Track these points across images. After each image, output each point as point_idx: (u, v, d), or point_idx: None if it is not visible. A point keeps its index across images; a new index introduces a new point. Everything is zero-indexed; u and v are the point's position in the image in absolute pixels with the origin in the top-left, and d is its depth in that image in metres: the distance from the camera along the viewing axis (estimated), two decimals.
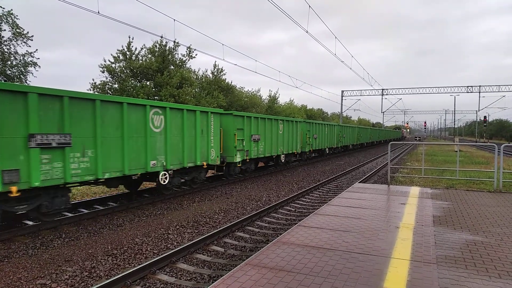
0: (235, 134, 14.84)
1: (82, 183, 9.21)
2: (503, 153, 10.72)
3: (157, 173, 10.84)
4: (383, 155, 34.84)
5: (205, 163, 12.94)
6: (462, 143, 13.40)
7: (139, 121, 10.04)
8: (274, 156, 19.49)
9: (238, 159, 15.14)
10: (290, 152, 21.12)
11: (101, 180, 9.53)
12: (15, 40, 21.72)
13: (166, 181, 11.08)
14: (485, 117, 63.52)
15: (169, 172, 11.20)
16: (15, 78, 21.89)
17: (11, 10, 20.95)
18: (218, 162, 13.84)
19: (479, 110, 58.79)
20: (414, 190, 10.47)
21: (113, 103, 9.24)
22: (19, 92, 7.17)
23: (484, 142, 65.65)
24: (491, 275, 4.36)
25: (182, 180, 12.24)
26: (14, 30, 21.35)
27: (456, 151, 29.72)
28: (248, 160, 16.45)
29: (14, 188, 7.08)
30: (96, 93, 23.61)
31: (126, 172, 9.55)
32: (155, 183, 11.55)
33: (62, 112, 7.96)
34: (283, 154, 20.01)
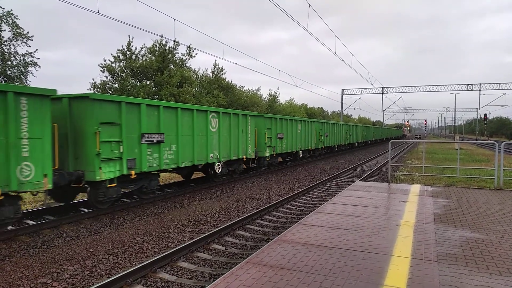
0: (265, 133, 17.78)
1: (167, 171, 12.19)
2: (504, 150, 10.72)
3: (212, 164, 13.74)
4: (383, 153, 34.83)
5: (244, 157, 15.90)
6: (463, 141, 13.37)
7: (203, 123, 12.94)
8: (293, 152, 22.19)
9: (267, 154, 18.08)
10: (306, 148, 24.09)
11: (167, 170, 11.98)
12: (15, 40, 21.73)
13: (219, 171, 14.02)
14: (485, 115, 63.46)
15: (221, 163, 14.16)
16: (15, 78, 21.89)
17: (11, 10, 20.97)
18: (253, 156, 16.68)
19: (479, 108, 58.74)
20: (415, 188, 10.47)
21: (188, 110, 12.20)
22: (136, 104, 10.11)
23: (485, 140, 65.60)
24: (492, 273, 4.36)
25: (227, 171, 14.86)
26: (14, 30, 21.35)
27: (457, 149, 29.68)
28: (274, 155, 19.18)
29: (133, 172, 9.91)
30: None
31: (195, 162, 12.51)
32: (203, 174, 15.52)
33: (159, 117, 10.86)
34: (301, 150, 23.00)
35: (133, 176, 9.96)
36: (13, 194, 7.26)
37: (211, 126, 13.41)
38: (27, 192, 7.66)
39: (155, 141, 10.65)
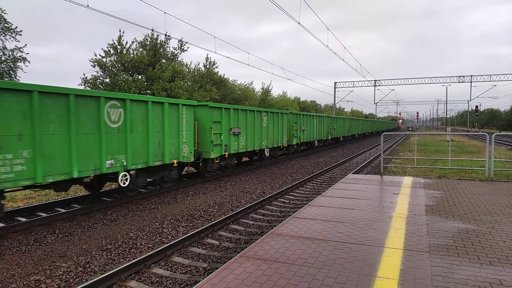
0: (293, 126, 19.53)
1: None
2: (494, 142, 10.82)
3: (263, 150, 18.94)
4: (376, 145, 35.02)
5: (281, 145, 22.38)
6: (454, 133, 13.50)
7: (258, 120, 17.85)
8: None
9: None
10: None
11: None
12: (3, 35, 21.40)
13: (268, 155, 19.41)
14: (476, 106, 64.08)
15: (268, 149, 19.50)
16: (4, 74, 21.58)
17: None
18: (286, 144, 19.28)
19: (470, 99, 59.30)
20: (407, 180, 10.55)
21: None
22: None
23: (476, 132, 66.23)
24: (483, 263, 4.42)
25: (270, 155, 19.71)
26: (2, 25, 21.01)
27: (448, 141, 29.90)
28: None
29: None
30: (89, 89, 23.39)
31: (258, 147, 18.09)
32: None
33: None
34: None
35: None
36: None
37: (263, 122, 17.63)
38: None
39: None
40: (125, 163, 9.66)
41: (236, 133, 12.64)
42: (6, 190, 7.40)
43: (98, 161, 8.88)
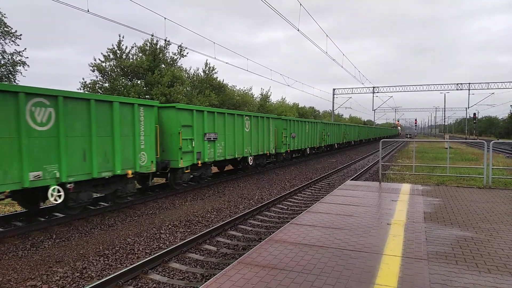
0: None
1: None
2: (492, 149, 10.86)
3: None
4: (374, 152, 35.05)
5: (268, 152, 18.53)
6: (452, 140, 13.50)
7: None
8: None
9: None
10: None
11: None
12: (2, 39, 21.42)
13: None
14: (474, 114, 64.26)
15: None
16: (4, 77, 21.57)
17: None
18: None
19: (468, 107, 59.53)
20: (405, 187, 10.55)
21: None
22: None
23: (474, 139, 66.34)
24: (481, 270, 4.41)
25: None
26: (1, 29, 21.04)
27: (446, 148, 29.98)
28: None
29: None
30: (88, 92, 23.39)
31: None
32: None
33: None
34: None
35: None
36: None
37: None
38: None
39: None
40: None
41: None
42: None
43: None
